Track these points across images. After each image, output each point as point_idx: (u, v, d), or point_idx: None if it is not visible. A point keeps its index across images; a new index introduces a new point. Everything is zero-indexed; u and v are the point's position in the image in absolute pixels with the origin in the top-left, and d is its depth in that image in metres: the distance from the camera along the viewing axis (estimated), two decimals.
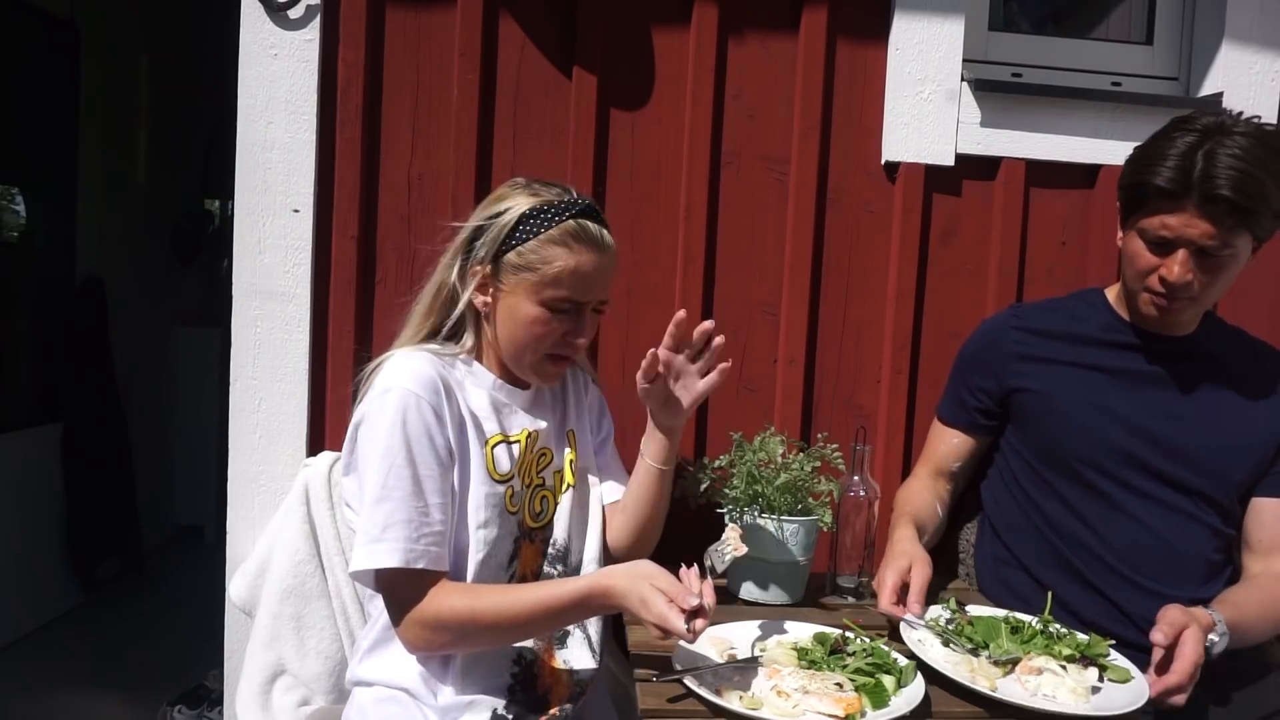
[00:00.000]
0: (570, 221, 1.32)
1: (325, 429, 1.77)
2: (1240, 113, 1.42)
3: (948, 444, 1.69)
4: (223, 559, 1.73)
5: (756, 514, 1.51)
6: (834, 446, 1.57)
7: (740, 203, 1.86)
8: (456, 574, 1.30)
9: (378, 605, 1.33)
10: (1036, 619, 1.38)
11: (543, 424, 1.44)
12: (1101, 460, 1.50)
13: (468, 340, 1.39)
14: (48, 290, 3.42)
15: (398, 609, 1.26)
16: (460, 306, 1.38)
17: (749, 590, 1.53)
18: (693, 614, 1.14)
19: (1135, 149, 1.50)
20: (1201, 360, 1.53)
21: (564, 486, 1.45)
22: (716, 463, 1.60)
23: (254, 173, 1.71)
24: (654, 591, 1.16)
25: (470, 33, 1.75)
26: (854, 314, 1.90)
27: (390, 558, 1.22)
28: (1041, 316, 1.63)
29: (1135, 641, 1.46)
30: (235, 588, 1.66)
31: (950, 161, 1.88)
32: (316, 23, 1.70)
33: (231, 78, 1.71)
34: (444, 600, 1.24)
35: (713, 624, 1.37)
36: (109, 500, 3.64)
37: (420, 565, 1.23)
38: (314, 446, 1.75)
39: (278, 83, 1.70)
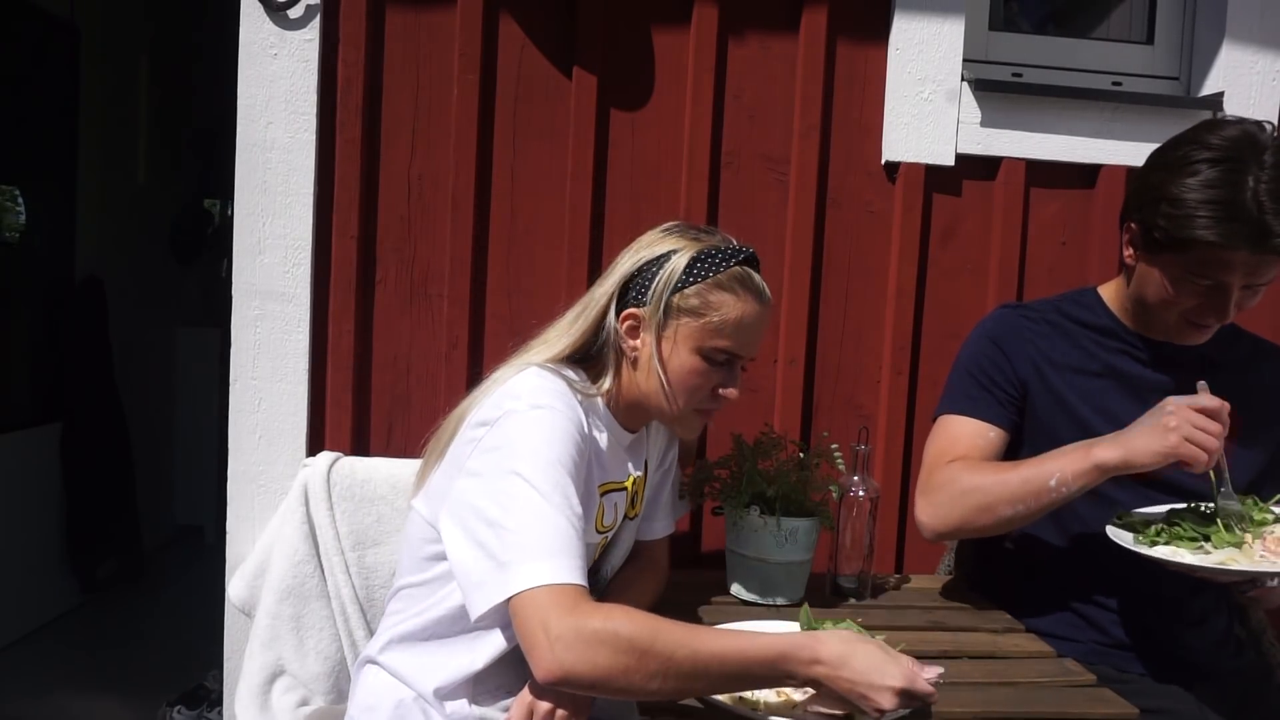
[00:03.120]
0: (739, 268, 1.30)
1: (325, 429, 1.77)
2: (1266, 124, 1.35)
3: (985, 439, 1.51)
4: (222, 559, 1.73)
5: (756, 514, 1.51)
6: (834, 446, 1.57)
7: (740, 203, 1.86)
8: None
9: (417, 602, 1.30)
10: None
11: (640, 471, 1.42)
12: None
13: (605, 381, 1.32)
14: (48, 290, 3.42)
15: (549, 628, 1.04)
16: (605, 344, 1.32)
17: (749, 590, 1.53)
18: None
19: (1155, 176, 1.38)
20: (1203, 366, 1.48)
21: (632, 514, 1.43)
22: (716, 463, 1.60)
23: (254, 173, 1.71)
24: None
25: (470, 33, 1.75)
26: (854, 314, 1.90)
27: (570, 574, 1.07)
28: (1039, 316, 1.58)
29: (1142, 634, 1.46)
30: (234, 588, 1.66)
31: (950, 161, 1.88)
32: (316, 23, 1.70)
33: (231, 78, 1.71)
34: (621, 616, 1.05)
35: (712, 624, 1.37)
36: (109, 500, 3.64)
37: (583, 582, 1.09)
38: (314, 446, 1.75)
39: (278, 83, 1.70)
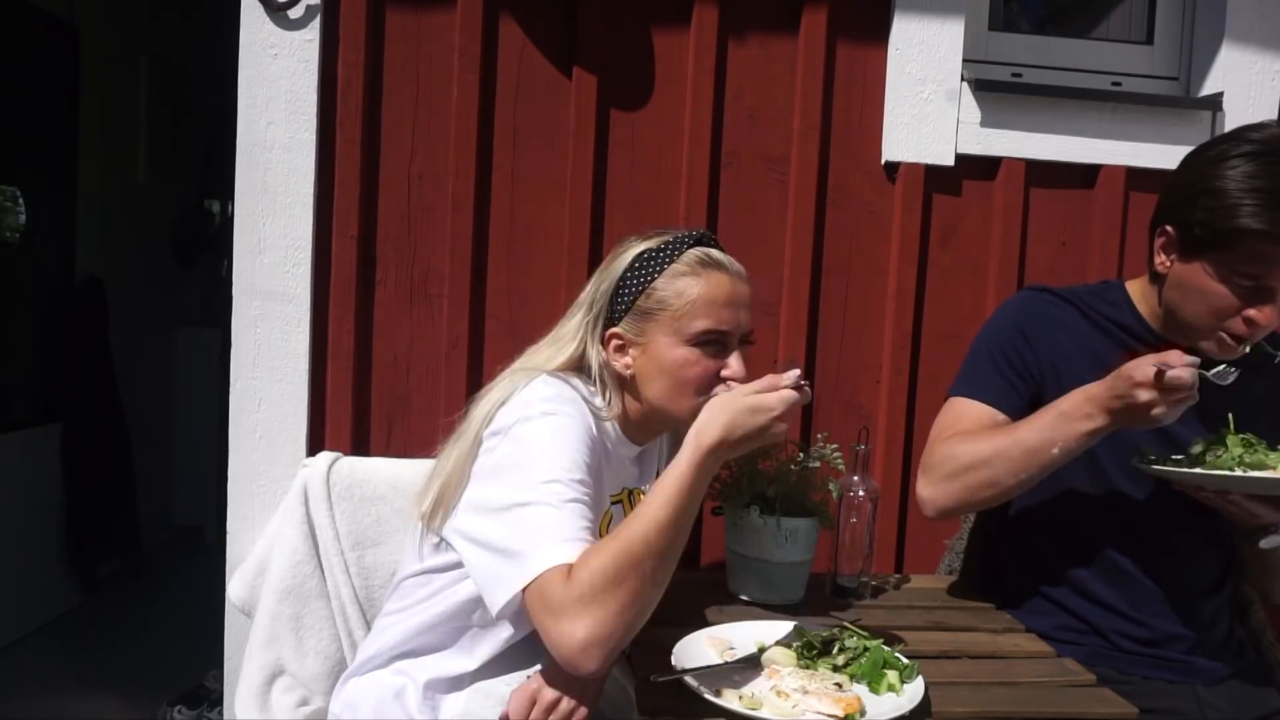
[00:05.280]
0: (692, 250, 1.30)
1: (325, 429, 1.77)
2: None
3: (992, 422, 1.47)
4: (223, 559, 1.73)
5: (756, 514, 1.51)
6: (834, 446, 1.57)
7: (740, 203, 1.86)
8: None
9: (407, 618, 1.32)
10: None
11: (645, 484, 1.44)
12: (1127, 462, 1.44)
13: (612, 403, 1.33)
14: (48, 290, 3.42)
15: (551, 606, 1.06)
16: (599, 371, 1.33)
17: (749, 590, 1.53)
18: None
19: (1192, 175, 1.36)
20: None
21: None
22: None
23: (254, 173, 1.71)
24: (749, 394, 1.11)
25: (470, 33, 1.75)
26: (854, 314, 1.90)
27: (575, 553, 1.08)
28: (1068, 300, 1.53)
29: (1146, 638, 1.46)
30: (234, 588, 1.66)
31: (950, 161, 1.88)
32: (316, 23, 1.70)
33: (231, 78, 1.71)
34: (592, 557, 1.06)
35: (712, 624, 1.38)
36: (109, 500, 3.64)
37: None
38: (314, 446, 1.75)
39: (278, 83, 1.70)
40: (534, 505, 1.13)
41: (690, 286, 1.27)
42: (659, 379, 1.29)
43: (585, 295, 1.36)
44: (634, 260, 1.31)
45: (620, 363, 1.32)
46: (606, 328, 1.33)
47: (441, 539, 1.30)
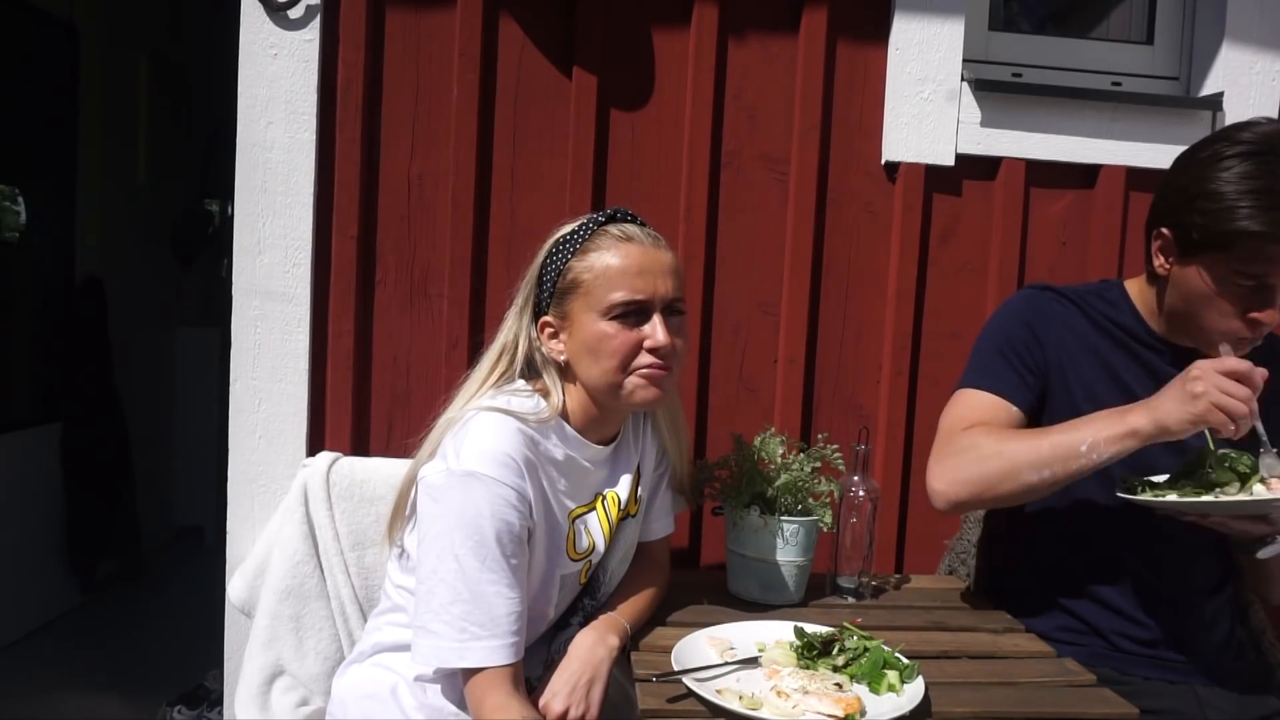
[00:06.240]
0: (604, 226, 1.31)
1: (325, 429, 1.77)
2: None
3: (1006, 412, 1.45)
4: (223, 559, 1.73)
5: (756, 514, 1.51)
6: (834, 447, 1.57)
7: (740, 203, 1.86)
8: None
9: (396, 614, 1.34)
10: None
11: (625, 478, 1.42)
12: (1131, 463, 1.40)
13: (554, 397, 1.31)
14: (47, 290, 3.42)
15: (480, 711, 1.17)
16: (541, 364, 1.34)
17: (749, 590, 1.53)
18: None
19: (1186, 177, 1.35)
20: None
21: (634, 510, 1.44)
22: (716, 463, 1.60)
23: (254, 173, 1.71)
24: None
25: (470, 33, 1.75)
26: (854, 314, 1.90)
27: (506, 654, 1.17)
28: (1070, 299, 1.52)
29: (1147, 638, 1.46)
30: (234, 588, 1.66)
31: (950, 161, 1.88)
32: (316, 23, 1.70)
33: (231, 78, 1.71)
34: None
35: (713, 624, 1.38)
36: (108, 500, 3.64)
37: (504, 661, 1.18)
38: (314, 446, 1.75)
39: (278, 83, 1.70)
40: (474, 597, 1.17)
41: (601, 260, 1.28)
42: (586, 357, 1.29)
43: (518, 294, 1.38)
44: (553, 245, 1.34)
45: (554, 349, 1.33)
46: (538, 316, 1.34)
47: (404, 549, 1.33)
